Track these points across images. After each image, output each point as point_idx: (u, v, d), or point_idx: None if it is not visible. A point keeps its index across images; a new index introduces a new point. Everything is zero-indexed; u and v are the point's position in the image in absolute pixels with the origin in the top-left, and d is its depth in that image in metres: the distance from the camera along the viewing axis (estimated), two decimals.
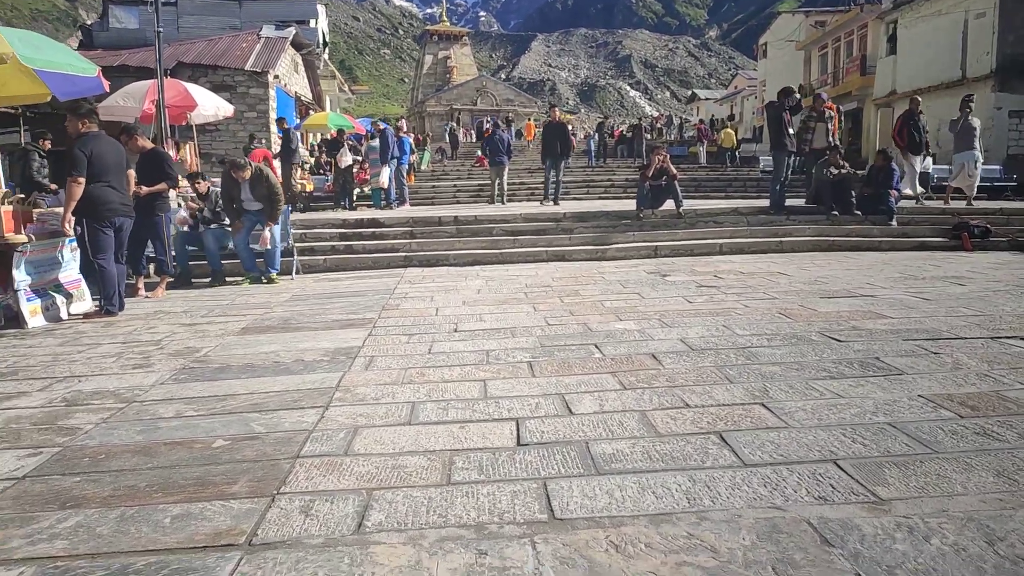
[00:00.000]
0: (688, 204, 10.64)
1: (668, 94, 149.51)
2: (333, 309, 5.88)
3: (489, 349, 4.23)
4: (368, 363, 4.00)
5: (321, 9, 31.04)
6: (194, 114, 12.91)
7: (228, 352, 4.41)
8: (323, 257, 8.81)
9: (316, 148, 21.17)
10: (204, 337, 4.91)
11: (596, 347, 4.17)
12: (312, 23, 29.44)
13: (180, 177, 10.51)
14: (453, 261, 8.82)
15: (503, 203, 15.67)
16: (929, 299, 5.33)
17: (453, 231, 9.69)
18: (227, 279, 7.96)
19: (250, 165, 8.28)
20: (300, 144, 14.84)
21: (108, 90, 7.90)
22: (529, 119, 58.84)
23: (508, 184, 16.12)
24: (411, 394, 3.37)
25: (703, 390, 3.24)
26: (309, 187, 16.10)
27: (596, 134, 32.28)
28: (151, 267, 7.68)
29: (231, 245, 7.92)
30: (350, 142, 15.42)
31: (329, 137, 19.74)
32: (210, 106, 12.53)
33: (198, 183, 8.36)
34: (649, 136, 42.61)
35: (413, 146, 27.01)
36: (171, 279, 7.48)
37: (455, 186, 19.13)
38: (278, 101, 21.86)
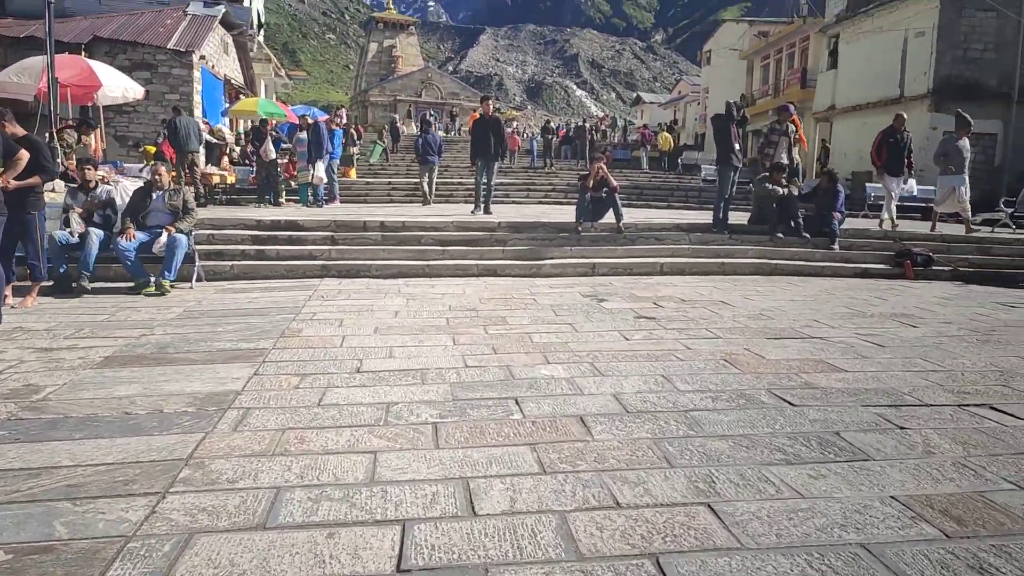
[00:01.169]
0: (629, 215, 10.18)
1: (614, 95, 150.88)
2: (224, 332, 5.12)
3: (391, 401, 3.58)
4: (240, 419, 3.30)
5: None
6: (100, 94, 11.80)
7: (75, 395, 3.64)
8: (231, 263, 7.97)
9: (243, 137, 19.97)
10: (55, 370, 4.11)
11: (516, 403, 3.57)
12: (246, 2, 27.99)
13: (68, 163, 9.50)
14: (376, 272, 8.10)
15: (430, 203, 15.04)
16: (883, 345, 4.93)
17: (378, 238, 8.97)
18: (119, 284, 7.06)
19: (169, 170, 7.48)
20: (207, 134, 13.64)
21: None
22: (475, 112, 58.11)
23: (438, 184, 15.54)
24: (279, 474, 2.70)
25: (637, 477, 2.68)
26: (231, 179, 15.06)
27: (540, 135, 31.79)
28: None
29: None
30: (274, 133, 14.42)
31: (253, 125, 18.63)
32: (117, 87, 11.47)
33: (87, 170, 7.39)
34: (593, 137, 42.50)
35: (355, 138, 26.05)
36: (47, 284, 6.58)
37: (390, 183, 18.33)
38: (204, 83, 20.56)
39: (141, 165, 14.98)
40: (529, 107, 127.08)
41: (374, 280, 7.85)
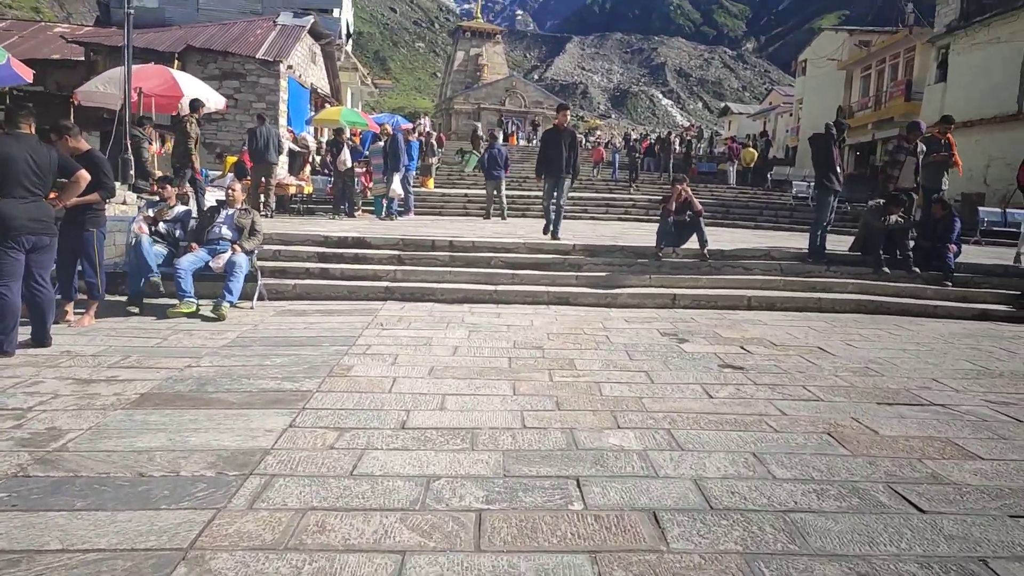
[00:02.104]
0: (714, 236, 9.38)
1: (700, 104, 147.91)
2: (271, 368, 4.79)
3: (433, 475, 3.10)
4: (260, 491, 2.89)
5: None
6: (183, 104, 11.94)
7: (95, 445, 3.33)
8: (294, 282, 7.73)
9: (323, 146, 20.10)
10: (85, 409, 3.84)
11: (578, 485, 3.03)
12: (336, 12, 28.53)
13: (148, 178, 9.53)
14: (441, 297, 7.70)
15: (503, 218, 14.70)
16: (1023, 421, 4.13)
17: (446, 258, 8.58)
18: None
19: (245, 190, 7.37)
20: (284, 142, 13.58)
21: (31, 80, 6.86)
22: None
23: (513, 197, 15.24)
24: None
25: None
26: (308, 189, 15.09)
27: (625, 151, 30.79)
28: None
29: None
30: (351, 143, 14.33)
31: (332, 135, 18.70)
32: (199, 97, 11.52)
33: (163, 189, 7.30)
34: (678, 149, 41.24)
35: (435, 148, 25.98)
36: (119, 299, 6.49)
37: (466, 196, 18.03)
38: (290, 92, 20.92)
39: (219, 173, 15.24)
40: (613, 116, 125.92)
41: (438, 306, 7.45)
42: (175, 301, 6.59)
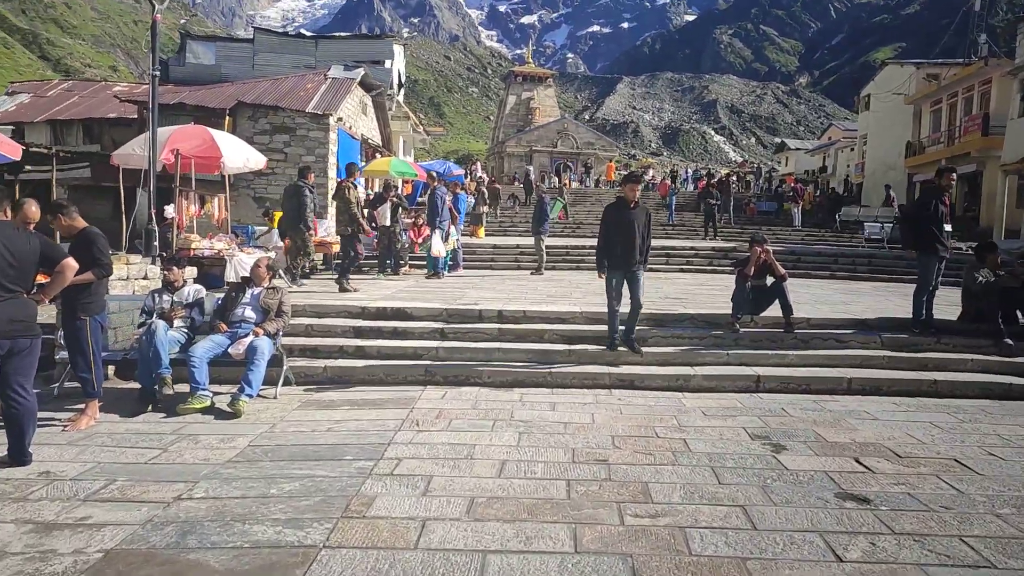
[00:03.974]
0: (791, 292, 8.02)
1: (754, 140, 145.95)
2: (277, 499, 3.92)
3: None
4: None
5: (398, 50, 30.16)
6: (223, 163, 11.50)
7: None
8: (325, 364, 6.93)
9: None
10: None
11: None
12: (387, 63, 28.50)
13: (157, 259, 8.86)
14: (488, 379, 6.77)
15: (541, 273, 13.87)
16: None
17: (494, 332, 7.68)
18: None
19: (270, 270, 6.66)
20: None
21: (18, 157, 6.30)
22: (610, 161, 57.10)
23: (569, 248, 14.42)
24: None
25: None
26: None
27: (699, 197, 27.55)
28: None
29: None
30: (395, 199, 13.71)
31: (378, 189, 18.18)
32: (238, 157, 11.09)
33: (169, 271, 6.62)
34: (736, 188, 39.83)
35: (485, 196, 25.37)
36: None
37: (518, 247, 17.19)
38: (340, 144, 20.66)
39: (265, 229, 14.79)
40: (665, 153, 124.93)
41: (484, 391, 6.51)
42: (190, 387, 5.85)
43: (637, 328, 7.40)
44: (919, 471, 4.51)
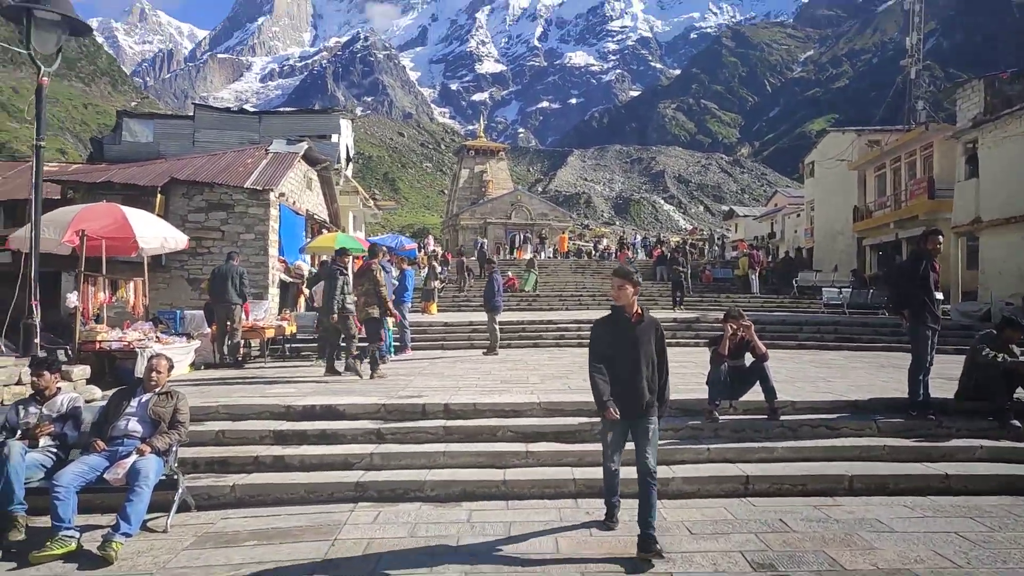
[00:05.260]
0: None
1: (702, 208, 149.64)
2: None
3: None
4: None
5: (345, 124, 29.63)
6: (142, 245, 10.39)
7: None
8: (235, 480, 5.77)
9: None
10: None
11: None
12: (334, 138, 27.90)
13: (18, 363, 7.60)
14: (431, 492, 5.68)
15: (495, 352, 12.94)
16: None
17: (440, 431, 6.62)
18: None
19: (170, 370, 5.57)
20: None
21: None
22: (563, 233, 57.19)
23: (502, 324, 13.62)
24: None
25: None
26: (290, 328, 13.35)
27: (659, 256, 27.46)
28: None
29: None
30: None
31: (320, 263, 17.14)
32: (153, 237, 10.01)
33: (40, 377, 5.44)
34: (693, 254, 39.73)
35: (436, 271, 24.49)
36: None
37: (471, 323, 16.23)
38: (283, 221, 19.61)
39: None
40: (617, 223, 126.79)
41: (426, 509, 5.42)
42: (52, 524, 4.63)
43: (592, 420, 6.42)
44: None
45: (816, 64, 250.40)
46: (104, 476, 4.94)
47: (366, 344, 10.40)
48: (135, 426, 5.23)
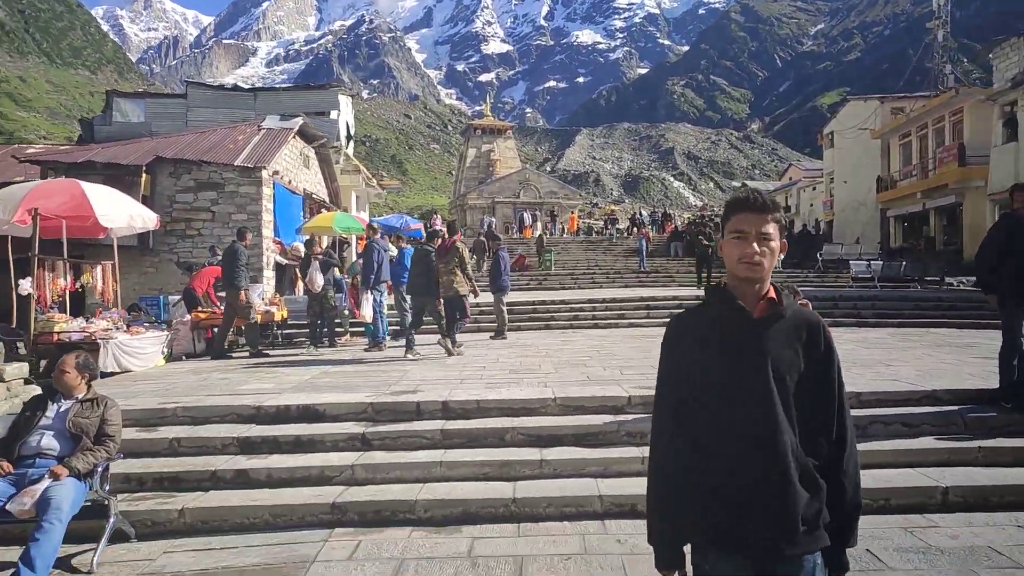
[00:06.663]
0: None
1: (712, 185, 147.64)
2: None
3: None
4: None
5: (344, 100, 28.41)
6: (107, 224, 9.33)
7: None
8: (184, 503, 4.71)
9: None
10: None
11: None
12: (333, 114, 26.73)
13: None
14: (423, 514, 4.62)
15: (504, 336, 11.91)
16: None
17: (436, 436, 5.55)
18: None
19: (83, 372, 4.47)
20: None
21: None
22: (572, 212, 55.97)
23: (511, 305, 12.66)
24: None
25: None
26: (280, 315, 12.30)
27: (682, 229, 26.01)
28: None
29: None
30: (321, 256, 11.67)
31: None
32: (119, 216, 8.92)
33: None
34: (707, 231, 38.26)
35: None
36: None
37: (476, 305, 15.10)
38: (278, 200, 18.54)
39: (179, 298, 12.64)
40: (627, 201, 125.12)
41: (416, 537, 4.35)
42: None
43: (634, 415, 5.32)
44: None
45: (827, 37, 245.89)
46: (6, 507, 3.90)
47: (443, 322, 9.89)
48: (50, 442, 4.18)
